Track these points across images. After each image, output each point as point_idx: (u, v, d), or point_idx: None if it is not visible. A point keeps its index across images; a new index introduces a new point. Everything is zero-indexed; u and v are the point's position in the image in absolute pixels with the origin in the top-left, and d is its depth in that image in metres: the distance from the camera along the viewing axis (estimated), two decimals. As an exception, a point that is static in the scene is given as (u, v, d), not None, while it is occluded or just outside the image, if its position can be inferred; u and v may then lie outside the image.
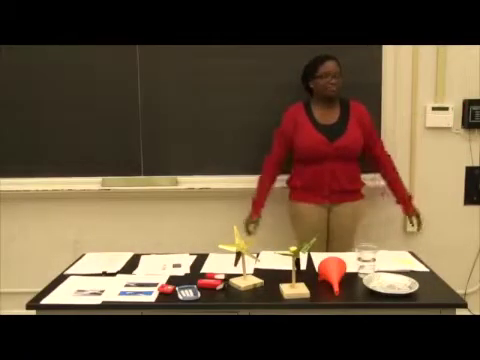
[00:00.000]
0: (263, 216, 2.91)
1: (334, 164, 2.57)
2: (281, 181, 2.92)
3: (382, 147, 2.75)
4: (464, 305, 1.78)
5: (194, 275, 2.02)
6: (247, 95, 2.89)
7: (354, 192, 2.68)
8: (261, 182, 2.74)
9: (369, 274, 1.90)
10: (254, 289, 1.89)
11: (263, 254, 2.23)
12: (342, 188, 2.61)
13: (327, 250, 2.61)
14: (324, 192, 2.61)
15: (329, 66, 2.55)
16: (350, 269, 1.95)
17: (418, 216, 2.70)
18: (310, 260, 2.17)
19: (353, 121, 2.61)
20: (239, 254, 1.93)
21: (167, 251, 2.37)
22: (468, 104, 2.91)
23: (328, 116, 2.62)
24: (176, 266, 2.13)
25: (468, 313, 2.83)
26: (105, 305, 1.79)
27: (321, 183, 2.60)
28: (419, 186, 3.03)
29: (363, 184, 2.75)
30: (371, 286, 1.83)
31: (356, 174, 2.70)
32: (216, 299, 1.82)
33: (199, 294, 1.81)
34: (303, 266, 2.04)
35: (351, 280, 1.92)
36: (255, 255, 2.11)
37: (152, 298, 1.81)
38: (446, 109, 2.93)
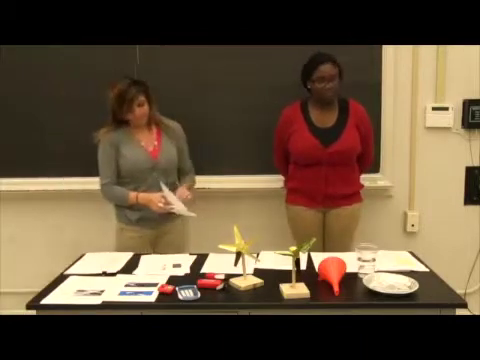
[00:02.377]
0: (262, 216, 2.92)
1: (329, 169, 2.51)
2: (279, 181, 2.92)
3: (369, 158, 2.70)
4: (464, 305, 1.78)
5: (194, 275, 2.02)
6: (247, 95, 2.89)
7: (351, 196, 2.61)
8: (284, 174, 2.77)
9: (369, 274, 1.90)
10: (254, 289, 1.89)
11: (263, 254, 2.23)
12: (337, 193, 2.55)
13: (323, 251, 2.59)
14: (318, 197, 2.57)
15: (324, 70, 2.46)
16: (350, 269, 1.95)
17: None
18: (310, 260, 2.17)
19: (351, 124, 2.55)
20: (239, 254, 1.93)
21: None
22: (468, 104, 2.91)
23: (325, 118, 2.56)
24: (176, 266, 2.13)
25: (468, 313, 2.82)
26: (105, 305, 1.79)
27: (315, 188, 2.56)
28: (419, 186, 3.03)
29: (362, 186, 2.70)
30: (371, 286, 1.83)
31: (353, 177, 2.64)
32: (216, 299, 1.82)
33: (199, 294, 1.81)
34: (303, 266, 2.04)
35: (351, 280, 1.92)
36: (255, 255, 2.11)
37: (152, 298, 1.81)
38: (446, 109, 2.93)
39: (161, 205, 2.34)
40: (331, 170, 2.51)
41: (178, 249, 2.48)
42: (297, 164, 2.61)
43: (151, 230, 2.51)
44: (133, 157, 2.44)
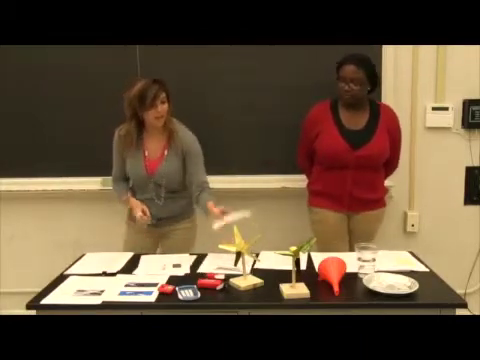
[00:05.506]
0: (263, 216, 2.91)
1: (356, 172, 2.46)
2: (281, 181, 2.92)
3: (395, 164, 2.67)
4: (464, 305, 1.78)
5: (194, 275, 2.02)
6: (247, 95, 2.89)
7: (376, 201, 2.59)
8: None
9: (369, 274, 1.90)
10: (254, 289, 1.89)
11: (263, 254, 2.23)
12: (363, 197, 2.51)
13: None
14: (344, 200, 2.53)
15: (346, 70, 2.42)
16: (350, 269, 1.95)
17: None
18: (310, 260, 2.17)
19: (382, 128, 2.49)
20: (239, 254, 1.94)
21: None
22: (468, 104, 2.91)
23: (355, 120, 2.50)
24: (176, 266, 2.13)
25: (468, 313, 2.83)
26: (105, 305, 1.79)
27: (341, 191, 2.51)
28: (419, 186, 3.03)
29: (387, 191, 2.69)
30: (371, 286, 1.83)
31: (379, 182, 2.60)
32: (216, 299, 1.82)
33: (199, 294, 1.81)
34: (303, 266, 2.04)
35: (351, 280, 1.92)
36: (255, 255, 2.11)
37: (152, 298, 1.81)
38: (446, 109, 2.93)
39: (139, 214, 2.34)
40: (358, 174, 2.47)
41: (184, 250, 2.42)
42: (322, 165, 2.55)
43: (156, 228, 2.51)
44: (132, 166, 2.44)
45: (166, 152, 2.43)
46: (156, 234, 2.52)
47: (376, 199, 2.59)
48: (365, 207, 2.56)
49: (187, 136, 2.45)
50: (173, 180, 2.45)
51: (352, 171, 2.47)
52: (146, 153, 2.43)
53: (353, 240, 2.61)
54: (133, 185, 2.52)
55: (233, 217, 2.09)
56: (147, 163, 2.42)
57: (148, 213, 2.36)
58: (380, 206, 2.63)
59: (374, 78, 2.48)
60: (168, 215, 2.48)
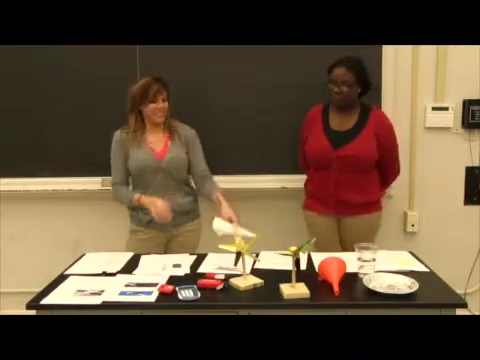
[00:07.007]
0: (262, 216, 2.91)
1: (340, 173, 2.46)
2: (281, 181, 2.92)
3: (391, 169, 2.63)
4: (464, 305, 1.78)
5: (194, 275, 2.02)
6: (247, 95, 2.89)
7: (367, 205, 2.54)
8: None
9: (369, 274, 1.90)
10: (254, 289, 1.89)
11: (263, 254, 2.23)
12: (351, 200, 2.49)
13: None
14: (329, 202, 2.52)
15: (336, 73, 2.44)
16: (350, 269, 1.95)
17: None
18: (310, 260, 2.17)
19: (368, 131, 2.48)
20: (239, 254, 1.93)
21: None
22: (468, 104, 2.90)
23: (343, 122, 2.52)
24: (176, 266, 2.13)
25: (468, 313, 2.82)
26: (105, 305, 1.79)
27: (326, 192, 2.51)
28: (419, 186, 3.03)
29: (383, 194, 2.67)
30: (371, 286, 1.83)
31: (369, 185, 2.55)
32: (216, 299, 1.82)
33: (199, 294, 1.81)
34: (303, 266, 2.04)
35: (351, 280, 1.92)
36: (255, 255, 2.11)
37: (152, 298, 1.81)
38: (446, 109, 2.93)
39: (160, 209, 2.31)
40: (342, 175, 2.47)
41: (191, 251, 2.42)
42: (313, 167, 2.59)
43: (163, 233, 2.51)
44: (138, 157, 2.45)
45: (169, 143, 2.49)
46: (164, 239, 2.53)
47: (366, 202, 2.54)
48: (355, 211, 2.53)
49: (187, 129, 2.56)
50: (181, 166, 2.50)
51: (336, 172, 2.48)
52: (150, 145, 2.47)
53: (345, 246, 2.58)
54: (139, 182, 2.49)
55: (237, 231, 2.12)
56: (153, 153, 2.47)
57: (168, 206, 2.33)
58: (373, 210, 2.59)
59: (365, 80, 2.49)
60: (178, 209, 2.46)
